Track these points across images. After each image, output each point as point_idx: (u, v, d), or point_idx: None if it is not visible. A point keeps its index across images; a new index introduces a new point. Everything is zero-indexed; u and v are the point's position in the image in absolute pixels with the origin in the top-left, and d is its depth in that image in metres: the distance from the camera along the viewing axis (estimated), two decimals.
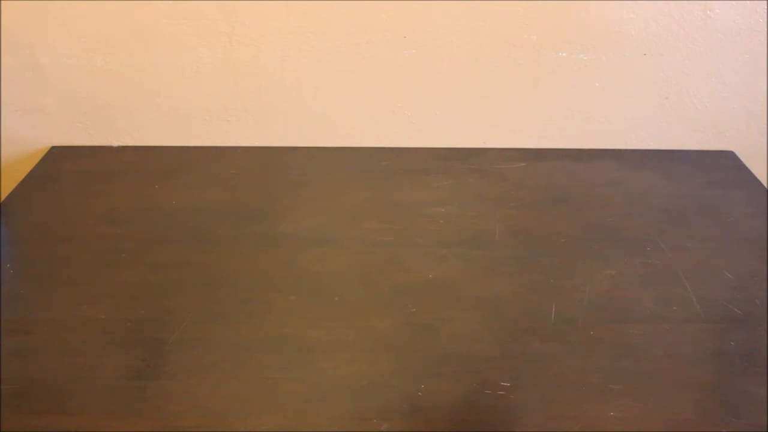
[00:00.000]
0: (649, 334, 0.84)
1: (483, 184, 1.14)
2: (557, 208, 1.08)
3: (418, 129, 1.25)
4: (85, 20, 1.16)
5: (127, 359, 0.80)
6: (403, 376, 0.78)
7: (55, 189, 1.12)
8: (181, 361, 0.80)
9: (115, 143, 1.25)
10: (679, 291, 0.91)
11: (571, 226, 1.03)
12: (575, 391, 0.77)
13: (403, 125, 1.24)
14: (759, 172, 1.21)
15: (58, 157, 1.21)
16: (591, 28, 1.17)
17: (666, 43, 1.18)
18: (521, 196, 1.10)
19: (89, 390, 0.76)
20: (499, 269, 0.95)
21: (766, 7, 1.15)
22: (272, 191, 1.12)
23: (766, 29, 1.17)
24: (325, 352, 0.82)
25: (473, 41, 1.18)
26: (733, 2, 1.15)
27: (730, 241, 1.00)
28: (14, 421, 0.72)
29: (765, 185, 1.15)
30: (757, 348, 0.82)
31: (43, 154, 1.21)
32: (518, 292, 0.91)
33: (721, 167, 1.19)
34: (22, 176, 1.15)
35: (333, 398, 0.76)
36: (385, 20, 1.16)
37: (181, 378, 0.78)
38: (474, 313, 0.88)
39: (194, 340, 0.83)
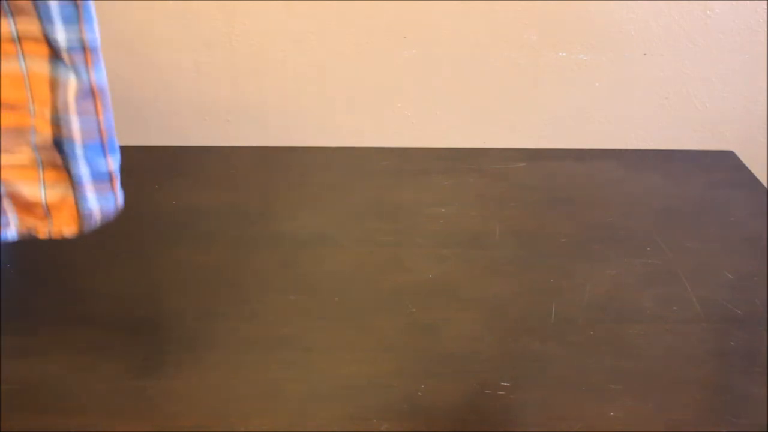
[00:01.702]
0: (649, 334, 0.84)
1: (483, 184, 1.14)
2: (557, 208, 1.08)
3: (418, 129, 1.25)
4: None
5: (127, 359, 0.80)
6: (403, 376, 0.78)
7: None
8: (181, 361, 0.80)
9: None
10: (679, 291, 0.91)
11: (571, 226, 1.03)
12: (575, 391, 0.76)
13: (403, 125, 1.24)
14: (759, 172, 1.21)
15: None
16: (591, 28, 1.17)
17: (666, 43, 1.18)
18: (521, 196, 1.10)
19: (89, 390, 0.76)
20: (499, 269, 0.95)
21: (766, 7, 1.15)
22: (272, 191, 1.12)
23: (766, 29, 1.17)
24: (325, 352, 0.82)
25: (473, 41, 1.18)
26: (733, 2, 1.15)
27: (730, 241, 1.00)
28: (14, 421, 0.72)
29: (765, 185, 1.15)
30: (757, 348, 0.82)
31: None
32: (518, 292, 0.91)
33: (721, 167, 1.19)
34: None
35: (333, 398, 0.76)
36: (385, 20, 1.16)
37: (181, 378, 0.78)
38: (474, 313, 0.88)
39: (194, 340, 0.83)
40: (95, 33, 0.67)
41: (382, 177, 1.16)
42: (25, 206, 0.70)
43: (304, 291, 0.91)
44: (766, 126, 1.25)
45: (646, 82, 1.21)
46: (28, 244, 0.99)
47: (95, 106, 0.67)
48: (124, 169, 1.14)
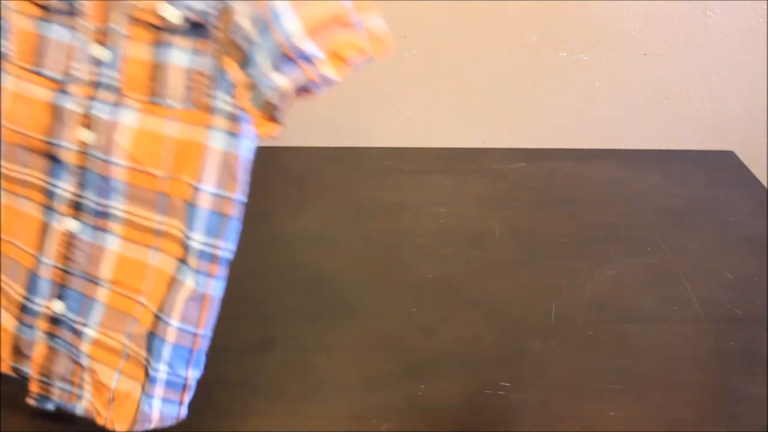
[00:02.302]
0: (649, 334, 0.84)
1: (483, 184, 1.14)
2: (557, 208, 1.08)
3: (418, 129, 1.25)
4: None
5: None
6: (403, 376, 0.78)
7: None
8: None
9: None
10: (679, 291, 0.91)
11: (571, 226, 1.03)
12: (575, 391, 0.77)
13: (403, 125, 1.24)
14: (759, 172, 1.21)
15: None
16: (591, 28, 1.17)
17: (666, 43, 1.18)
18: (521, 196, 1.10)
19: None
20: (499, 269, 0.95)
21: (766, 7, 1.15)
22: (272, 191, 1.12)
23: (766, 29, 1.17)
24: (325, 352, 0.82)
25: (473, 41, 1.18)
26: (733, 2, 1.15)
27: (730, 241, 1.00)
28: (14, 421, 0.72)
29: (765, 185, 1.15)
30: (757, 348, 0.82)
31: None
32: (518, 292, 0.91)
33: (721, 167, 1.19)
34: None
35: (333, 398, 0.76)
36: (385, 20, 1.16)
37: None
38: (474, 313, 0.88)
39: None
40: (231, 248, 0.67)
41: (382, 177, 1.16)
42: (97, 386, 0.69)
43: (304, 291, 0.91)
44: (766, 126, 1.25)
45: (646, 82, 1.21)
46: None
47: (200, 316, 0.65)
48: None
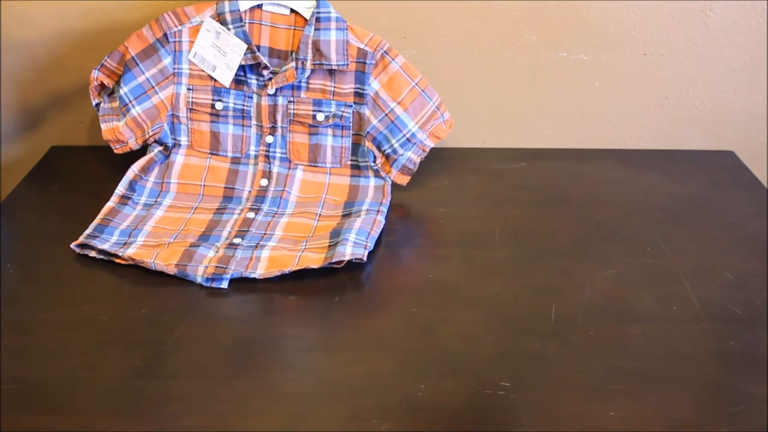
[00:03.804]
0: (649, 334, 0.84)
1: (483, 184, 1.14)
2: (557, 208, 1.08)
3: None
4: (85, 20, 1.16)
5: (127, 359, 0.80)
6: (403, 376, 0.78)
7: (55, 189, 1.12)
8: (181, 361, 0.80)
9: None
10: (679, 291, 0.91)
11: (571, 226, 1.03)
12: (575, 391, 0.77)
13: None
14: (759, 172, 1.21)
15: (58, 157, 1.21)
16: (591, 28, 1.17)
17: (666, 43, 1.18)
18: (521, 196, 1.10)
19: (89, 390, 0.76)
20: (499, 269, 0.95)
21: (766, 7, 1.15)
22: None
23: (766, 29, 1.17)
24: (325, 352, 0.82)
25: (473, 41, 1.18)
26: (733, 2, 1.15)
27: (730, 241, 1.00)
28: (14, 421, 0.72)
29: (765, 185, 1.15)
30: (757, 348, 0.82)
31: (43, 154, 1.21)
32: (518, 292, 0.91)
33: (721, 167, 1.19)
34: (22, 176, 1.15)
35: (333, 398, 0.76)
36: (385, 20, 1.16)
37: (181, 378, 0.78)
38: (474, 313, 0.88)
39: (194, 340, 0.83)
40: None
41: None
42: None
43: (305, 291, 0.91)
44: (766, 126, 1.25)
45: (646, 82, 1.21)
46: (28, 244, 0.99)
47: None
48: (124, 169, 1.15)
